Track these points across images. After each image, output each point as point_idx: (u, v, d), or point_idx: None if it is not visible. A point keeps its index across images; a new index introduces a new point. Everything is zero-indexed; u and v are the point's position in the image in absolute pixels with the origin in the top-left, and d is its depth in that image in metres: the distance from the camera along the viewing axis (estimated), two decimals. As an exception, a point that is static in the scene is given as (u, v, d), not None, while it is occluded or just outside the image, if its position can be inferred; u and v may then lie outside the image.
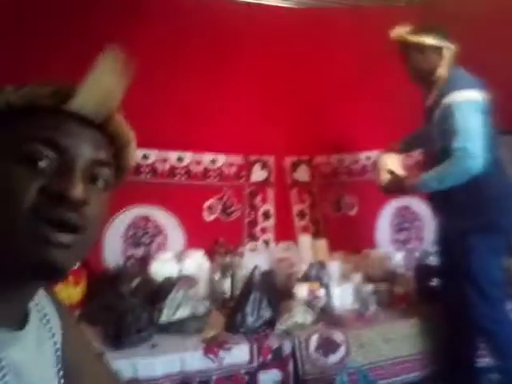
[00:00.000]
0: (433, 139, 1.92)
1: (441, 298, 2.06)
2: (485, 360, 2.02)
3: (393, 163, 2.06)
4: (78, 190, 0.52)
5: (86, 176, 0.55)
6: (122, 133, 0.61)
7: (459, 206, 1.87)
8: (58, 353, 0.66)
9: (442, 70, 1.86)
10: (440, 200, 1.98)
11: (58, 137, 0.54)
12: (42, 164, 0.52)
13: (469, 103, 1.77)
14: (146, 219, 2.40)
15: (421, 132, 2.10)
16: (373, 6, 3.17)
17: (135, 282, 1.96)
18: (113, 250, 2.25)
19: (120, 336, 1.64)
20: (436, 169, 1.82)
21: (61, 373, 0.65)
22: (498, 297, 1.88)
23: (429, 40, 1.85)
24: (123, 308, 1.72)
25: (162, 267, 2.14)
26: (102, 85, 0.56)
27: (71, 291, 1.83)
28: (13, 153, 0.52)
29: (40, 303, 0.66)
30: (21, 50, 2.18)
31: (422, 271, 2.26)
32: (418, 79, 1.97)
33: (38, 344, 0.61)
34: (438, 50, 1.86)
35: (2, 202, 0.50)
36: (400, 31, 1.91)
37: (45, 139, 0.53)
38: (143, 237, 2.37)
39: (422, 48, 1.87)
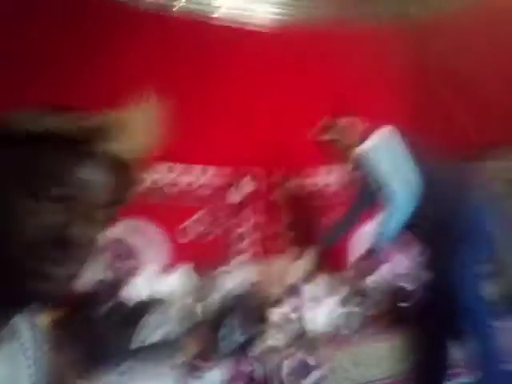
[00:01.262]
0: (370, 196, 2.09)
1: (414, 319, 2.08)
2: (459, 380, 2.05)
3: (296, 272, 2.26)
4: (84, 235, 0.52)
5: (89, 215, 0.55)
6: (137, 176, 0.62)
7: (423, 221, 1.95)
8: (33, 377, 0.65)
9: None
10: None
11: (80, 174, 0.53)
12: (55, 200, 0.52)
13: (375, 149, 1.98)
14: (119, 242, 2.37)
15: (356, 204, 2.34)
16: (361, 26, 3.25)
17: (107, 307, 1.93)
18: (86, 274, 2.21)
19: (92, 362, 1.60)
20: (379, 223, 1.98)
21: None
22: (477, 309, 1.91)
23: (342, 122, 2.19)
24: (94, 334, 1.70)
25: (135, 291, 2.11)
26: (141, 133, 0.56)
27: (42, 317, 1.79)
28: (29, 184, 0.51)
29: (16, 324, 0.66)
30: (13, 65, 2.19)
31: (394, 293, 2.28)
32: (341, 159, 2.25)
33: (11, 366, 0.60)
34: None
35: (7, 230, 0.50)
36: (313, 133, 2.26)
37: (56, 175, 0.53)
38: (115, 260, 2.34)
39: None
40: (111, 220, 0.60)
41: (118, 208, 0.61)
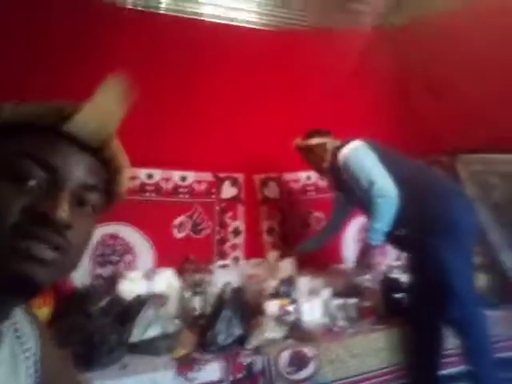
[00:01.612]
0: (355, 198, 2.21)
1: (408, 310, 2.13)
2: (452, 369, 2.09)
3: (287, 268, 2.39)
4: (62, 213, 0.52)
5: (73, 199, 0.55)
6: (117, 159, 0.62)
7: (411, 220, 2.01)
8: (36, 374, 0.65)
9: (328, 156, 2.30)
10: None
11: (50, 157, 0.54)
12: (31, 183, 0.52)
13: (356, 151, 2.13)
14: (115, 237, 2.36)
15: (338, 209, 2.54)
16: (340, 30, 3.29)
17: (104, 302, 1.92)
18: (80, 269, 2.19)
19: (89, 357, 1.60)
20: (371, 219, 2.07)
21: None
22: (471, 297, 1.96)
23: (314, 141, 2.37)
24: (92, 328, 1.69)
25: (131, 286, 2.10)
26: (102, 110, 0.56)
27: (39, 312, 1.78)
28: (3, 169, 0.52)
29: (18, 323, 0.65)
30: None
31: (388, 284, 2.32)
32: (317, 169, 2.46)
33: (12, 365, 0.61)
34: (322, 145, 2.34)
35: None
36: (296, 141, 2.44)
37: (37, 158, 0.53)
38: (111, 255, 2.34)
39: (311, 148, 2.38)
40: (100, 207, 0.61)
41: (105, 195, 0.62)
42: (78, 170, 0.56)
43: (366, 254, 2.14)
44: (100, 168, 0.61)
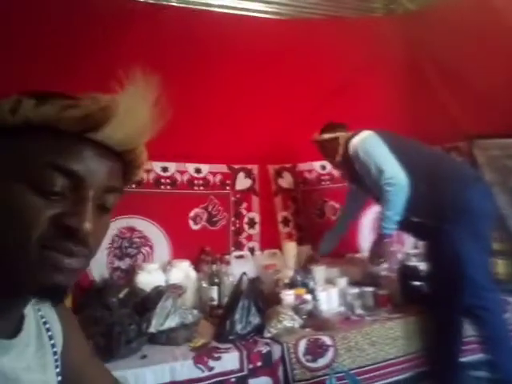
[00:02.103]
0: (368, 188, 2.21)
1: (425, 298, 2.12)
2: (472, 357, 2.08)
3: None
4: (88, 225, 0.52)
5: (95, 203, 0.55)
6: (139, 159, 0.61)
7: (426, 208, 2.01)
8: (56, 356, 0.67)
9: (340, 150, 2.30)
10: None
11: (75, 165, 0.52)
12: (55, 191, 0.52)
13: (365, 140, 2.13)
14: (132, 230, 2.39)
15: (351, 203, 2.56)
16: (353, 18, 3.25)
17: (122, 294, 1.95)
18: (98, 262, 2.23)
19: (109, 348, 1.62)
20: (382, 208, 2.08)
21: (59, 377, 0.66)
22: (485, 283, 1.95)
23: (326, 136, 2.38)
24: (111, 320, 1.71)
25: (149, 277, 2.13)
26: (135, 118, 0.54)
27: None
28: (29, 176, 0.51)
29: (40, 307, 0.67)
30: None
31: (405, 273, 2.30)
32: (332, 163, 2.51)
33: (37, 348, 0.62)
34: (335, 139, 2.33)
35: (13, 225, 0.50)
36: (313, 136, 2.46)
37: (61, 167, 0.52)
38: (129, 248, 2.36)
39: (324, 142, 2.40)
40: (115, 204, 0.60)
41: (122, 192, 0.62)
42: (103, 176, 0.55)
43: (379, 244, 2.13)
44: (121, 168, 0.60)
